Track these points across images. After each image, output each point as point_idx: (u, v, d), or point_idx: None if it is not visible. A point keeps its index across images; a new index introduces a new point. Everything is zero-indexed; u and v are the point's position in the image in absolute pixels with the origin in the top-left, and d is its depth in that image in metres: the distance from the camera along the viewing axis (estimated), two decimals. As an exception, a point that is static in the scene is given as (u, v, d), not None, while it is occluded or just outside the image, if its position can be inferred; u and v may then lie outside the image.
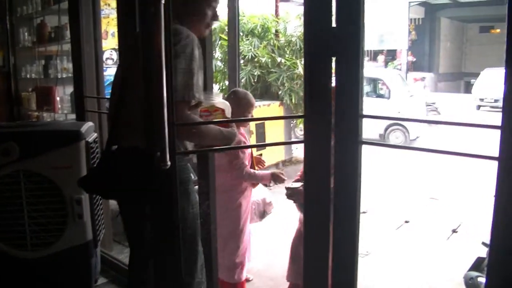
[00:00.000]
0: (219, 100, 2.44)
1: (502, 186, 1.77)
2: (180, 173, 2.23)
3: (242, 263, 3.68)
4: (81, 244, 2.99)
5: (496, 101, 16.48)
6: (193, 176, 4.28)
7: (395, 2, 22.51)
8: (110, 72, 5.97)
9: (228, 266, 3.63)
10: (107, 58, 6.38)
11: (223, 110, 2.38)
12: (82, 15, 3.87)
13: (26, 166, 2.85)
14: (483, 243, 4.04)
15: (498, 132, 1.76)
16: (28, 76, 5.83)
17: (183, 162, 2.35)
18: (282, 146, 7.92)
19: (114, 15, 5.85)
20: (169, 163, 1.94)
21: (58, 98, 5.35)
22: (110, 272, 3.79)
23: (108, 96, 3.61)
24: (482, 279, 3.47)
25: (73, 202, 2.89)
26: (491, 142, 1.99)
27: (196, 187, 3.28)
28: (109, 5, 6.08)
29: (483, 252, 3.82)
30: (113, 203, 4.36)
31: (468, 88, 22.96)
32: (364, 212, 5.64)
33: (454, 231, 5.50)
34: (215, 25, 7.74)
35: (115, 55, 6.29)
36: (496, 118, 1.78)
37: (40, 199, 2.87)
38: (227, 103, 2.47)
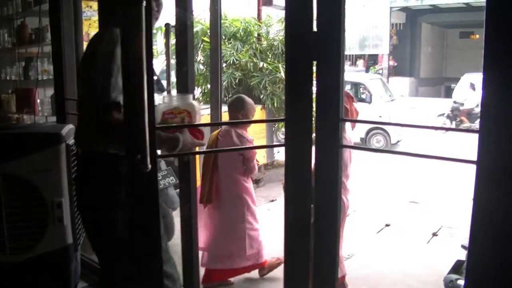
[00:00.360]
0: (188, 102, 2.39)
1: (480, 189, 1.79)
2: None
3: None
4: (61, 248, 2.96)
5: (476, 105, 16.66)
6: (174, 180, 4.31)
7: (376, 7, 22.73)
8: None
9: (258, 250, 4.07)
10: (88, 61, 6.34)
11: (189, 113, 2.31)
12: (63, 17, 3.84)
13: (6, 169, 2.82)
14: (462, 246, 4.08)
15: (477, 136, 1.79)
16: (8, 78, 5.77)
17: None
18: (264, 150, 7.93)
19: (95, 17, 5.81)
20: (150, 166, 1.93)
21: (38, 100, 5.30)
22: (91, 276, 3.76)
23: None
24: (462, 282, 3.50)
25: (54, 206, 2.86)
26: (471, 146, 2.01)
27: (177, 190, 3.30)
28: (90, 7, 6.02)
29: (463, 255, 3.85)
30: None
31: (448, 93, 23.18)
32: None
33: (434, 234, 5.55)
34: (198, 27, 7.73)
35: (96, 58, 6.26)
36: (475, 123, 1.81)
37: (19, 203, 2.84)
38: (195, 105, 2.41)
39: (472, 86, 13.93)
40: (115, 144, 2.24)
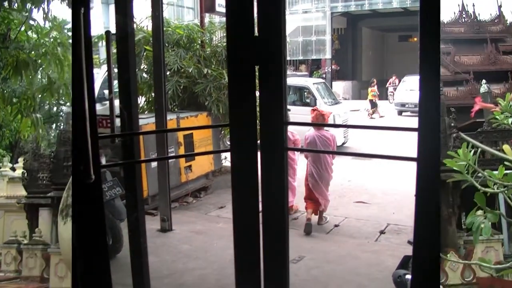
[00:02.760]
0: None
1: (421, 184, 1.85)
2: None
3: None
4: None
5: (416, 106, 17.13)
6: (120, 190, 4.23)
7: (318, 12, 23.15)
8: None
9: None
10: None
11: None
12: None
13: None
14: (409, 242, 4.18)
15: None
16: None
17: None
18: (211, 157, 7.89)
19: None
20: (93, 176, 1.89)
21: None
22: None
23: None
24: (409, 276, 3.58)
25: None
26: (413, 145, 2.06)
27: (124, 201, 3.23)
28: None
29: (410, 250, 3.93)
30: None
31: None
32: (295, 219, 5.72)
33: (382, 232, 5.66)
34: (140, 35, 7.63)
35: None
36: (416, 123, 1.88)
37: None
38: None
39: None
40: None
